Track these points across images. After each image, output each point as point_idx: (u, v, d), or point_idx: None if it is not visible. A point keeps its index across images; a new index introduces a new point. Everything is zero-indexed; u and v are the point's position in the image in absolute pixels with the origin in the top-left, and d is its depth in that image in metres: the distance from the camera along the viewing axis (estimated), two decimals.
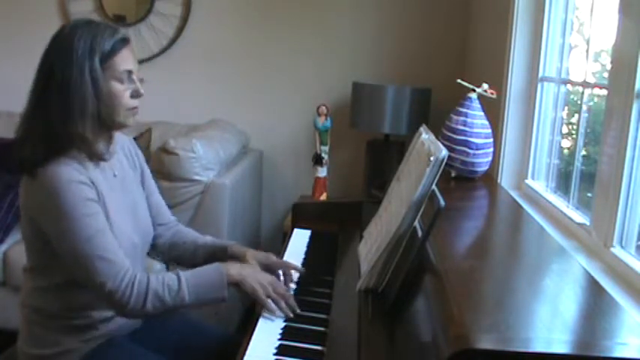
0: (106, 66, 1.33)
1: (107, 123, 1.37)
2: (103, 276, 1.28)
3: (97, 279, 1.28)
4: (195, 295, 1.33)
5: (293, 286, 1.53)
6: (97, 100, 1.32)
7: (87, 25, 1.35)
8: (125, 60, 1.36)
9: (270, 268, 1.52)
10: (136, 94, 1.38)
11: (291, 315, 1.37)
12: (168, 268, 2.50)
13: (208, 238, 1.66)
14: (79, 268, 1.30)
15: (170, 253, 1.66)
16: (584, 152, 1.86)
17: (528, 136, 2.22)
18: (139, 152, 1.61)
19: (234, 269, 1.38)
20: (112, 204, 1.39)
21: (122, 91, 1.36)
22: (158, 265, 2.45)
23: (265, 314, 1.36)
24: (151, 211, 1.60)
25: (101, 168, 1.41)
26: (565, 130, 2.13)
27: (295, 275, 1.57)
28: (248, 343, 1.25)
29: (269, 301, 1.37)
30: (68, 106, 1.30)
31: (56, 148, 1.31)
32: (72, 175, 1.30)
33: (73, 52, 1.30)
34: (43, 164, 1.29)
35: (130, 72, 1.37)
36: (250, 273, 1.40)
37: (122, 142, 1.55)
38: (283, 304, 1.37)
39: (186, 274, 1.34)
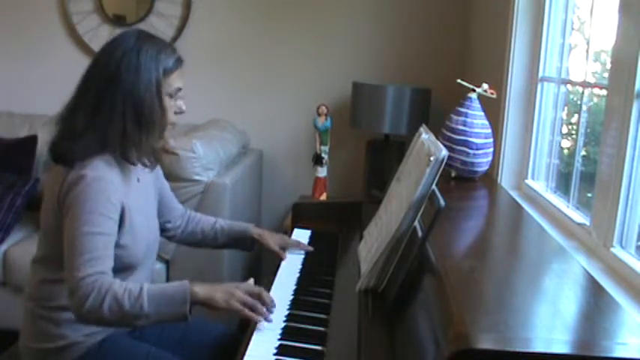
0: (165, 80, 1.40)
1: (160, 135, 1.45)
2: (79, 271, 1.27)
3: (73, 272, 1.27)
4: (155, 306, 1.28)
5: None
6: (161, 112, 1.40)
7: (151, 38, 1.43)
8: (178, 78, 1.44)
9: (286, 248, 1.75)
10: (179, 111, 1.47)
11: (269, 316, 1.33)
12: (168, 267, 2.50)
13: (224, 223, 1.78)
14: (67, 255, 1.30)
15: (188, 240, 1.77)
16: (584, 152, 1.86)
17: (528, 136, 2.22)
18: None
19: (199, 287, 1.33)
20: (135, 210, 1.43)
21: (170, 107, 1.43)
22: (157, 265, 2.45)
23: (259, 327, 1.31)
24: (166, 204, 1.69)
25: (129, 173, 1.46)
26: (565, 130, 2.13)
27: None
28: (248, 343, 1.25)
29: (245, 310, 1.31)
30: (138, 117, 1.37)
31: (109, 149, 1.37)
32: (109, 174, 1.36)
33: (140, 60, 1.37)
34: (86, 158, 1.35)
35: (179, 89, 1.45)
36: (217, 288, 1.35)
37: None
38: (260, 307, 1.33)
39: (150, 286, 1.31)
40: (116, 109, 1.35)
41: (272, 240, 1.74)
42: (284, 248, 1.75)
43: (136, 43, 1.38)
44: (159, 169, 1.67)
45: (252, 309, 1.32)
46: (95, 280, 1.27)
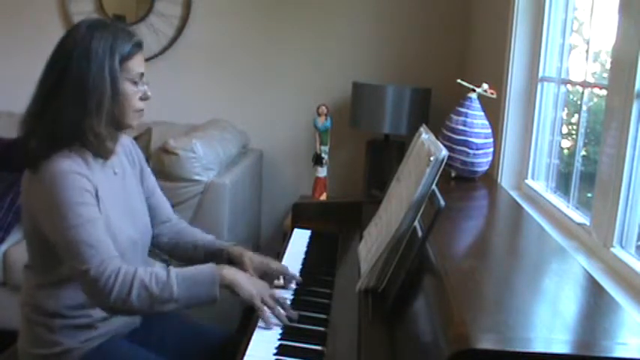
0: (123, 67, 1.37)
1: (117, 123, 1.40)
2: (88, 262, 1.26)
3: (82, 266, 1.26)
4: (185, 290, 1.28)
5: (290, 295, 1.49)
6: (113, 99, 1.35)
7: (105, 25, 1.38)
8: (139, 63, 1.41)
9: (267, 274, 1.52)
10: (144, 97, 1.43)
11: (288, 322, 1.33)
12: (168, 266, 2.50)
13: (209, 238, 1.65)
14: (67, 254, 1.29)
15: (172, 252, 1.67)
16: (584, 152, 1.86)
17: (528, 136, 2.22)
18: (139, 151, 1.63)
19: (228, 271, 1.35)
20: (110, 201, 1.40)
21: (134, 93, 1.39)
22: (157, 265, 2.44)
23: (261, 324, 1.32)
24: (152, 209, 1.61)
25: (101, 165, 1.42)
26: (565, 130, 2.13)
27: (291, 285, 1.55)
28: (248, 343, 1.25)
29: (265, 308, 1.33)
30: (84, 101, 1.32)
31: (63, 142, 1.33)
32: (71, 166, 1.32)
33: (92, 50, 1.33)
34: (46, 158, 1.31)
35: (142, 75, 1.41)
36: (245, 278, 1.37)
37: (123, 140, 1.55)
38: (280, 311, 1.34)
39: (176, 269, 1.32)
40: (65, 101, 1.32)
41: (252, 265, 1.51)
42: (265, 274, 1.51)
43: (88, 32, 1.35)
44: (145, 167, 1.62)
45: (271, 309, 1.33)
46: (116, 267, 1.26)
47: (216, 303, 1.32)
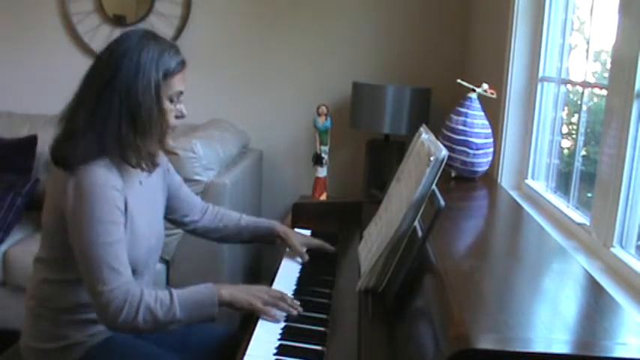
0: (165, 83, 1.37)
1: (161, 139, 1.43)
2: (105, 285, 1.28)
3: (99, 286, 1.28)
4: (187, 312, 1.32)
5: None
6: (160, 114, 1.37)
7: (155, 38, 1.40)
8: (180, 81, 1.41)
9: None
10: (180, 115, 1.44)
11: (295, 313, 1.37)
12: (168, 267, 2.50)
13: (249, 219, 1.78)
14: (87, 270, 1.30)
15: (210, 235, 1.76)
16: (584, 152, 1.86)
17: (528, 136, 2.22)
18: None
19: (225, 290, 1.38)
20: (135, 209, 1.42)
21: (171, 110, 1.40)
22: (158, 265, 2.44)
23: (267, 320, 1.35)
24: (184, 201, 1.69)
25: (131, 175, 1.43)
26: (565, 130, 2.13)
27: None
28: (248, 343, 1.26)
29: (267, 307, 1.36)
30: (134, 119, 1.34)
31: (108, 154, 1.35)
32: (110, 180, 1.33)
33: (141, 62, 1.33)
34: (85, 163, 1.32)
35: (181, 93, 1.42)
36: (241, 289, 1.41)
37: None
38: (283, 304, 1.38)
39: (178, 292, 1.35)
40: (113, 110, 1.33)
41: (296, 240, 1.74)
42: (307, 249, 1.73)
43: (138, 43, 1.35)
44: (169, 165, 1.66)
45: (275, 306, 1.37)
46: (126, 291, 1.28)
47: (215, 321, 1.38)
